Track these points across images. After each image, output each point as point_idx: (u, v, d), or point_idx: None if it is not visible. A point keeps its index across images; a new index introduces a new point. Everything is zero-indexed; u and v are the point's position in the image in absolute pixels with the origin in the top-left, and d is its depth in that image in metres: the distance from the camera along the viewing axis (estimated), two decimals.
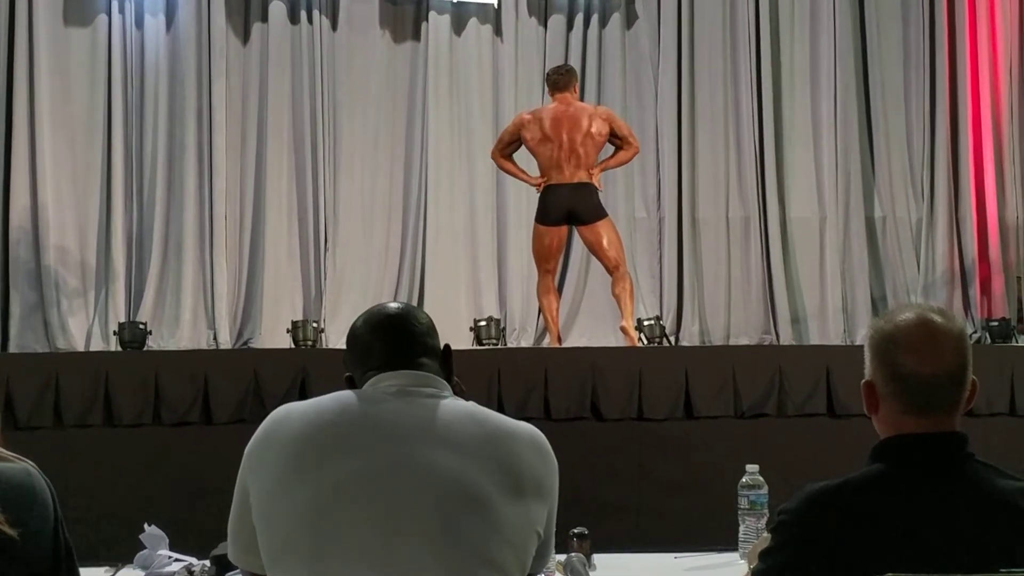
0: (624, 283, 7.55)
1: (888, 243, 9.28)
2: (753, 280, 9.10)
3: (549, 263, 7.66)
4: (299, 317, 8.51)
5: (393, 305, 2.57)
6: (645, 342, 8.18)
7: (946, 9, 9.29)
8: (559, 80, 7.69)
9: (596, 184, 7.49)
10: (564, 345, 8.26)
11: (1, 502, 2.08)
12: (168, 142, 8.89)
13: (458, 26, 9.24)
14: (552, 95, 7.71)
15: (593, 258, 9.07)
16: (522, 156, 7.74)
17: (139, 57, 8.92)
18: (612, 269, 7.58)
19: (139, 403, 6.39)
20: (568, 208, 7.46)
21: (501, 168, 7.86)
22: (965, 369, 2.20)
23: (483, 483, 2.25)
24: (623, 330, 7.49)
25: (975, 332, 8.61)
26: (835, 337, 8.92)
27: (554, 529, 2.44)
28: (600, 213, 7.56)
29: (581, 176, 7.45)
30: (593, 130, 7.48)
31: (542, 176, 7.55)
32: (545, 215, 7.54)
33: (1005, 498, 2.13)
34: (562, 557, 3.20)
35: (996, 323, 8.46)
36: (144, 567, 3.38)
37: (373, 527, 2.20)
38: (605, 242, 7.52)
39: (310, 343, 8.01)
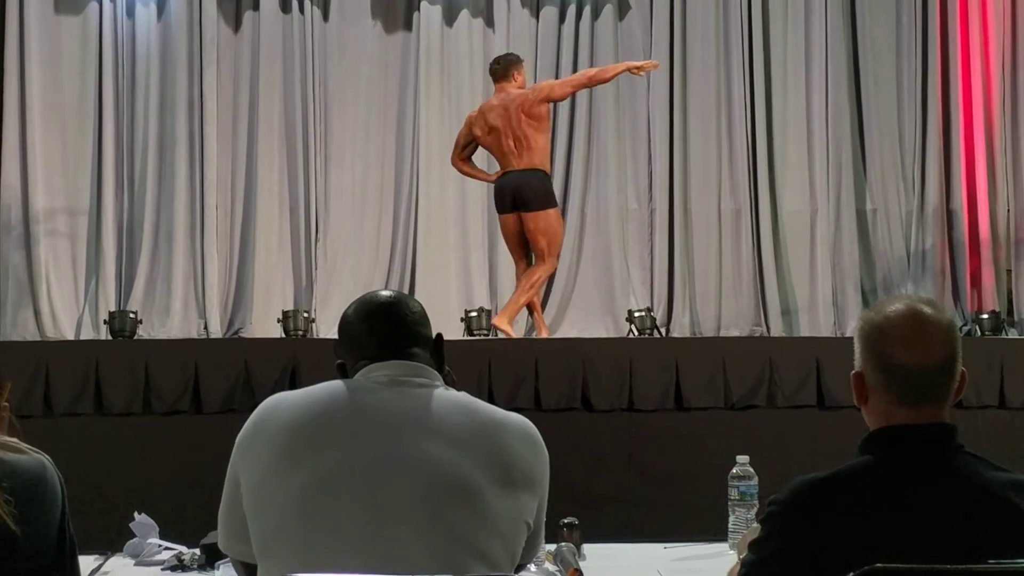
0: (534, 274, 7.53)
1: (879, 236, 9.29)
2: (744, 272, 9.10)
3: (513, 252, 7.68)
4: (290, 307, 8.51)
5: (385, 293, 2.56)
6: (636, 333, 8.19)
7: (938, 2, 9.30)
8: (497, 70, 7.70)
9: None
10: (555, 336, 8.27)
11: (13, 495, 2.09)
12: (159, 131, 8.88)
13: (449, 16, 9.23)
14: (495, 85, 7.72)
15: (585, 248, 9.11)
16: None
17: (130, 46, 8.91)
18: (536, 257, 7.58)
19: (129, 392, 6.39)
20: (513, 194, 7.46)
21: (461, 172, 7.89)
22: (954, 360, 2.21)
23: (474, 474, 2.25)
24: (494, 325, 7.51)
25: (965, 325, 8.62)
26: (825, 329, 8.93)
27: (544, 520, 2.44)
28: (546, 202, 7.51)
29: (529, 161, 7.45)
30: (533, 112, 7.46)
31: (500, 168, 7.59)
32: (498, 204, 7.62)
33: (994, 489, 2.14)
34: (552, 547, 3.21)
35: (986, 316, 8.47)
36: (134, 555, 3.38)
37: (363, 517, 2.20)
38: (541, 230, 7.49)
39: (301, 333, 8.01)
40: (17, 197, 8.64)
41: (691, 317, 9.08)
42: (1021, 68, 9.21)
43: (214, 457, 2.65)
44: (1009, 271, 9.09)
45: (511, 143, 7.43)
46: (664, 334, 8.70)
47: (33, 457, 2.20)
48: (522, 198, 7.45)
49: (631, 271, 9.11)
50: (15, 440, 2.23)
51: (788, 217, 9.23)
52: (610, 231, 9.15)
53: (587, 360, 6.60)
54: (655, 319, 8.52)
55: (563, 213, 9.04)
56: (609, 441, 6.49)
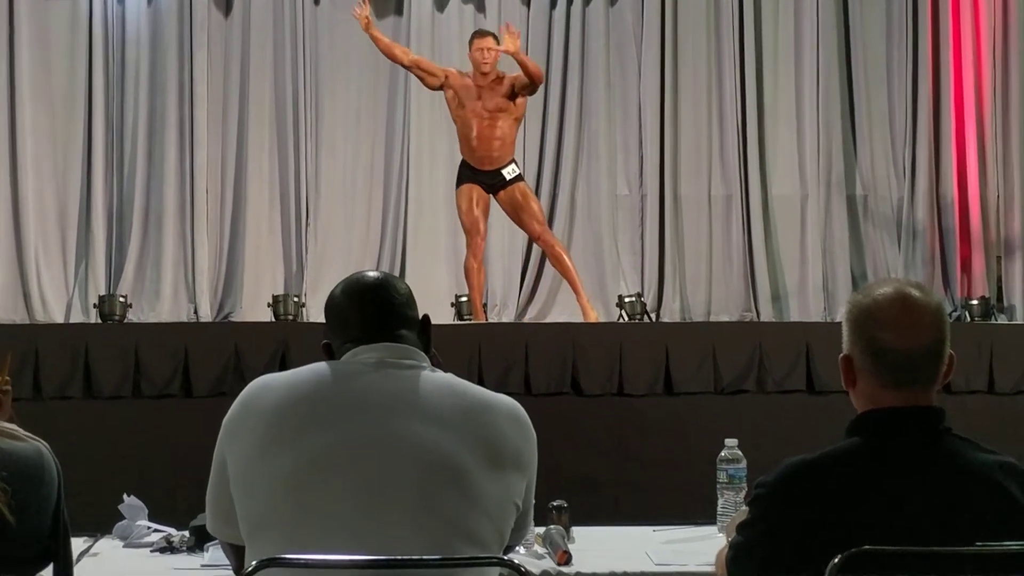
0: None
1: (869, 221, 9.30)
2: (734, 257, 9.11)
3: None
4: (280, 291, 8.51)
5: (372, 274, 2.55)
6: (626, 318, 8.19)
7: None
8: None
9: None
10: (545, 321, 8.27)
11: (10, 484, 2.08)
12: (149, 115, 8.86)
13: (440, 2, 9.21)
14: None
15: (576, 233, 9.12)
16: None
17: (120, 29, 8.89)
18: None
19: (119, 376, 6.39)
20: None
21: None
22: (942, 343, 2.21)
23: (462, 455, 2.25)
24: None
25: (955, 310, 8.64)
26: (815, 314, 8.94)
27: (533, 502, 2.44)
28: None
29: None
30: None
31: None
32: None
33: (982, 471, 2.15)
34: (542, 530, 3.22)
35: (976, 302, 8.48)
36: (123, 537, 3.38)
37: (351, 499, 2.20)
38: None
39: (291, 317, 8.00)
40: (7, 181, 8.62)
41: (681, 302, 9.09)
42: (1012, 54, 9.21)
43: (204, 440, 2.64)
44: (999, 257, 9.09)
45: None
46: (654, 319, 8.71)
47: (31, 444, 2.20)
48: None
49: (621, 257, 9.11)
50: (13, 426, 2.23)
51: (778, 202, 9.23)
52: (601, 217, 9.16)
53: (577, 345, 6.61)
54: (645, 304, 8.53)
55: (553, 199, 9.08)
56: (599, 425, 6.50)
